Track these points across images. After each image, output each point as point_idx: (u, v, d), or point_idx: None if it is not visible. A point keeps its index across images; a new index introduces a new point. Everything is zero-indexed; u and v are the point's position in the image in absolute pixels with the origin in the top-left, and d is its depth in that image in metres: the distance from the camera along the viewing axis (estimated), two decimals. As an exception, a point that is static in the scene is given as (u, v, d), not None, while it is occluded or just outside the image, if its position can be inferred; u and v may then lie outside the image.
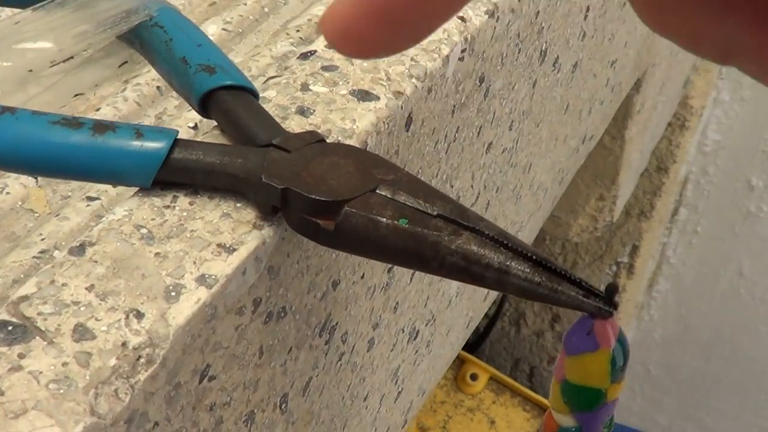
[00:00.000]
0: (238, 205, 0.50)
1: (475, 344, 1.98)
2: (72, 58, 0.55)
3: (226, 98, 0.52)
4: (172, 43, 0.54)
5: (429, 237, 0.45)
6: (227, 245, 0.47)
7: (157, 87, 0.64)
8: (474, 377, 1.70)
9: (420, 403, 0.82)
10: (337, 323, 0.59)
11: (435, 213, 0.46)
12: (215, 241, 0.47)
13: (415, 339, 0.74)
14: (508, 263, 0.44)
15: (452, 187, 0.70)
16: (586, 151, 1.09)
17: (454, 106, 0.64)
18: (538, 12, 0.73)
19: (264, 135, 0.50)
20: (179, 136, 0.50)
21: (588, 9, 0.86)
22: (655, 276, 2.11)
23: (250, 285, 0.48)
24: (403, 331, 0.71)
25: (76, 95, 0.55)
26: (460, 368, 1.72)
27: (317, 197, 0.46)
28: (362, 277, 0.60)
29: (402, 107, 0.57)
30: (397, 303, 0.68)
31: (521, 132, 0.81)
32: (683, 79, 1.57)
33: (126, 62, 0.57)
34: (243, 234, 0.48)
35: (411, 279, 0.69)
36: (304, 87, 0.57)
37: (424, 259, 0.45)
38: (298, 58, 0.59)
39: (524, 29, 0.72)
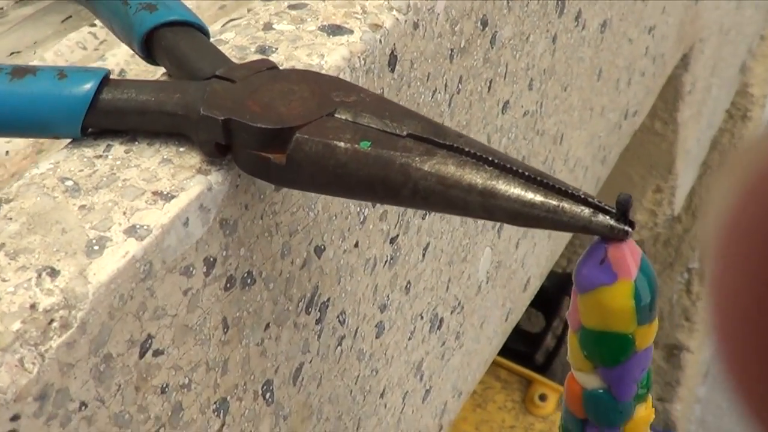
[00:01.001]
0: (182, 149, 0.42)
1: (544, 365, 1.87)
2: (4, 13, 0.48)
3: (168, 35, 0.45)
4: (112, -16, 0.47)
5: (397, 159, 0.37)
6: (164, 192, 0.40)
7: (104, 40, 0.57)
8: (543, 398, 1.60)
9: (457, 406, 0.73)
10: (329, 299, 0.51)
11: (404, 133, 0.38)
12: (150, 189, 0.40)
13: (439, 328, 0.66)
14: (493, 183, 0.36)
15: (464, 149, 0.61)
16: (630, 128, 0.99)
17: (452, 49, 0.56)
18: (549, -49, 0.65)
19: (208, 68, 0.42)
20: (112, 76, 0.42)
21: (612, -41, 0.78)
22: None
23: (198, 240, 0.40)
24: (422, 318, 0.63)
25: (11, 53, 0.49)
26: (527, 389, 1.63)
27: (263, 125, 0.39)
28: (356, 245, 0.52)
29: (381, 41, 0.49)
30: (409, 283, 0.59)
31: (545, 94, 0.72)
32: (738, 62, 1.47)
33: (70, 17, 0.50)
34: (184, 179, 0.40)
35: (424, 254, 0.60)
36: (267, 26, 0.49)
37: (393, 186, 0.37)
38: (262, 0, 0.52)
39: (533, -31, 0.64)
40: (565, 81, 0.76)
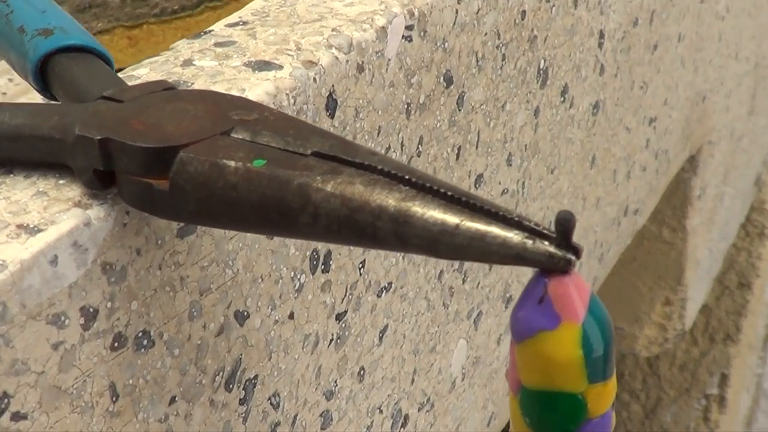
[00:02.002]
0: (61, 181, 0.36)
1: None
2: None
3: (63, 61, 0.39)
4: (13, 15, 0.42)
5: (295, 179, 0.31)
6: (30, 226, 0.33)
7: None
8: None
9: None
10: (256, 376, 0.44)
11: (309, 152, 0.32)
12: (15, 222, 0.34)
13: (403, 426, 0.58)
14: (408, 204, 0.29)
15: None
16: (631, 227, 0.93)
17: (409, 104, 0.51)
18: (524, 12, 0.60)
19: (97, 91, 0.37)
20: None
21: (602, 35, 0.73)
22: (753, 412, 1.88)
23: (71, 283, 0.34)
24: (381, 411, 0.55)
25: None
26: None
27: (143, 144, 0.32)
28: (291, 316, 0.46)
29: (316, 80, 0.44)
30: (363, 369, 0.52)
31: (528, 173, 0.66)
32: (753, 173, 1.41)
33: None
34: (57, 213, 0.34)
35: (381, 338, 0.53)
36: (187, 63, 0.44)
37: (290, 212, 0.31)
38: (188, 38, 0.46)
39: (506, 29, 0.58)
40: (551, 162, 0.70)
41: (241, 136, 0.33)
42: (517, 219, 0.29)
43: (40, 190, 0.36)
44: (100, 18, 1.01)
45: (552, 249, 0.29)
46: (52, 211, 0.34)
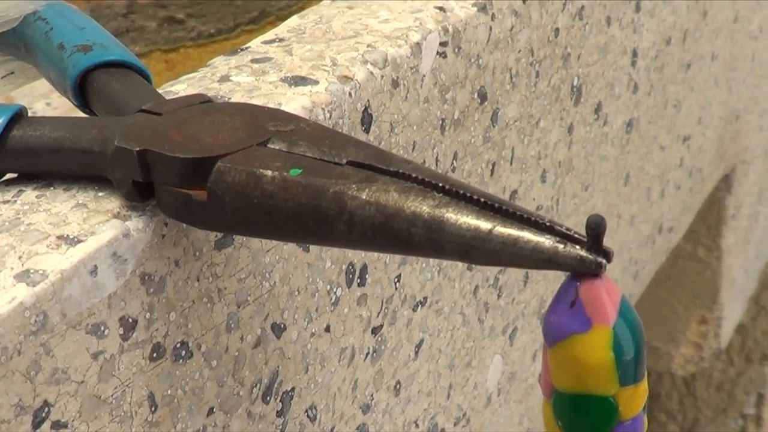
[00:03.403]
0: (101, 194, 0.37)
1: None
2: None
3: (102, 77, 0.40)
4: (52, 32, 0.43)
5: (330, 187, 0.31)
6: (71, 237, 0.34)
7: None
8: None
9: None
10: (293, 389, 0.45)
11: (344, 161, 0.32)
12: (56, 233, 0.34)
13: (439, 442, 0.58)
14: (442, 211, 0.30)
15: (472, 269, 0.55)
16: (666, 245, 0.93)
17: (443, 119, 0.51)
18: (558, 29, 0.61)
19: (136, 104, 0.37)
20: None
21: (635, 53, 0.73)
22: (793, 433, 1.86)
23: (110, 294, 0.34)
24: (417, 426, 0.55)
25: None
26: None
27: (181, 155, 0.33)
28: (327, 329, 0.46)
29: (351, 95, 0.44)
30: (399, 383, 0.53)
31: (562, 190, 0.66)
32: (789, 192, 1.40)
33: (12, 73, 0.46)
34: (96, 224, 0.35)
35: (416, 352, 0.54)
36: (224, 78, 0.45)
37: (326, 219, 0.31)
38: (225, 55, 0.47)
39: (539, 46, 0.59)
40: (585, 179, 0.70)
41: (277, 147, 0.34)
42: (548, 224, 0.29)
43: (80, 202, 0.36)
44: (137, 42, 1.02)
45: (583, 253, 0.29)
46: (92, 222, 0.35)
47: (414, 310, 0.53)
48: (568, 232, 0.29)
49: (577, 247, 0.29)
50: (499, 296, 0.62)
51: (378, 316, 0.50)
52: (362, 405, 0.50)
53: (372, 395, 0.51)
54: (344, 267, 0.46)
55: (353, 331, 0.48)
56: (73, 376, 0.34)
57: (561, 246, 0.29)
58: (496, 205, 0.30)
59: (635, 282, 0.87)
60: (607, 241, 0.71)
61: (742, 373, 1.67)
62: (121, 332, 0.35)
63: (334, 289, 0.46)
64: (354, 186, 0.31)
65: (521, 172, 0.61)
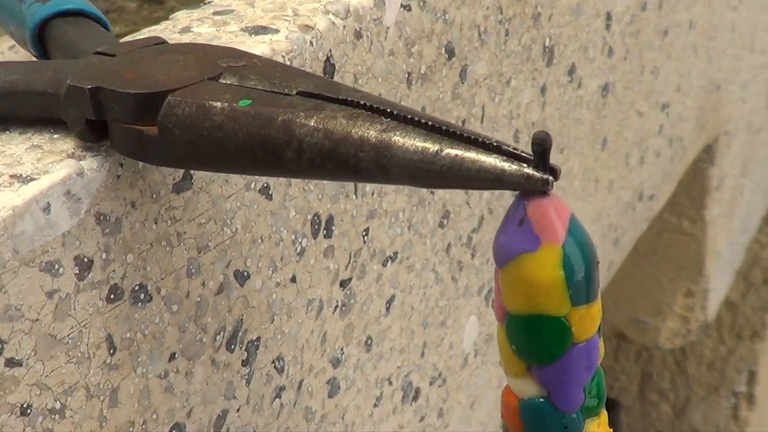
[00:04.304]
0: (56, 136, 0.37)
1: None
2: None
3: (59, 25, 0.40)
4: (11, -16, 0.43)
5: (279, 116, 0.31)
6: (23, 175, 0.34)
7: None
8: None
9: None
10: (258, 338, 0.45)
11: (294, 92, 0.32)
12: (9, 173, 0.34)
13: (415, 400, 0.58)
14: (389, 134, 0.30)
15: (433, 193, 0.55)
16: (646, 213, 0.93)
17: (410, 73, 0.51)
18: (526, -13, 0.60)
19: (91, 48, 0.37)
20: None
21: (609, 17, 0.73)
22: (785, 410, 1.86)
23: (64, 232, 0.34)
24: (390, 383, 0.55)
25: None
26: None
27: (133, 91, 0.33)
28: (293, 280, 0.46)
29: (312, 44, 0.44)
30: (370, 338, 0.53)
31: (535, 151, 0.66)
32: (774, 167, 1.40)
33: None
34: (50, 163, 0.35)
35: (388, 308, 0.53)
36: (185, 30, 0.45)
37: (275, 148, 0.31)
38: (187, 9, 0.47)
39: (508, 4, 0.59)
40: (560, 142, 0.70)
41: (228, 81, 0.34)
42: (495, 144, 0.29)
43: (35, 144, 0.36)
44: (117, 22, 1.02)
45: (530, 170, 0.29)
46: (46, 162, 0.35)
47: (384, 265, 0.53)
48: (515, 152, 0.29)
49: (524, 165, 0.29)
50: (473, 256, 0.61)
51: (346, 269, 0.50)
52: (332, 359, 0.50)
53: (342, 349, 0.51)
54: (309, 217, 0.46)
55: (320, 283, 0.48)
56: (27, 313, 0.34)
57: (507, 165, 0.29)
58: (444, 127, 0.30)
59: (616, 249, 0.87)
60: (585, 206, 0.72)
61: (733, 350, 1.67)
62: (77, 272, 0.35)
63: (299, 239, 0.46)
64: (302, 114, 0.31)
65: (493, 130, 0.61)
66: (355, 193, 0.49)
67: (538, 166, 0.29)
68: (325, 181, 0.47)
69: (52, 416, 0.35)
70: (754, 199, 1.31)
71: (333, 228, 0.48)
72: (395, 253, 0.53)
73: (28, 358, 0.34)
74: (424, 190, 0.55)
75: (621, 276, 1.22)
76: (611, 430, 0.34)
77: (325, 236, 0.48)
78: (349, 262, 0.50)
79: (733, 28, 1.06)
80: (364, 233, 0.50)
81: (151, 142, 0.33)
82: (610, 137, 0.79)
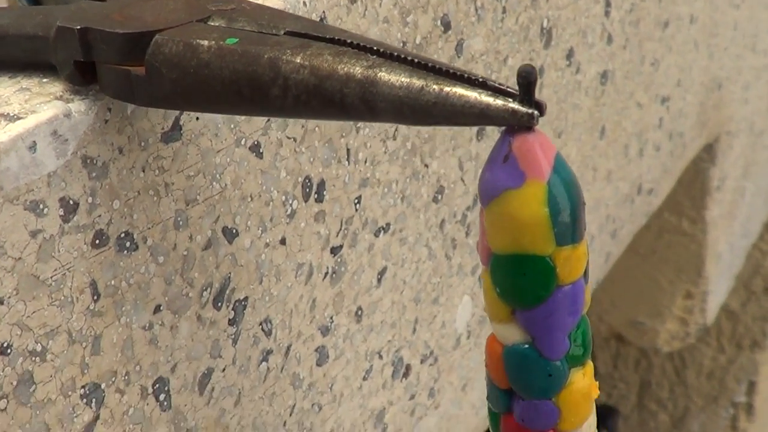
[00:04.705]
0: (45, 80, 0.37)
1: None
2: None
3: None
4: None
5: (265, 53, 0.31)
6: (11, 114, 0.34)
7: None
8: None
9: (435, 480, 0.65)
10: (246, 298, 0.44)
11: (282, 32, 0.32)
12: (-4, 112, 0.34)
13: (405, 377, 0.58)
14: (375, 70, 0.30)
15: (427, 167, 0.55)
16: (645, 207, 0.92)
17: (404, 42, 0.51)
18: (525, -35, 0.60)
19: None
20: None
21: (608, 3, 0.73)
22: (784, 421, 1.85)
23: (50, 172, 0.34)
24: (381, 357, 0.55)
25: None
26: None
27: (121, 31, 0.33)
28: (282, 242, 0.46)
29: (306, 4, 0.44)
30: (360, 309, 0.52)
31: (532, 133, 0.66)
32: (777, 172, 1.40)
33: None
34: (38, 104, 0.35)
35: (379, 280, 0.53)
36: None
37: (261, 85, 0.31)
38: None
39: (506, -20, 0.59)
40: (558, 126, 0.70)
41: (217, 23, 0.34)
42: (481, 80, 0.29)
43: (24, 87, 0.36)
44: None
45: (515, 105, 0.29)
46: (33, 102, 0.35)
47: (376, 235, 0.52)
48: (500, 87, 0.29)
49: (510, 100, 0.29)
50: (467, 234, 0.61)
51: (337, 235, 0.49)
52: (321, 326, 0.50)
53: (332, 318, 0.50)
54: (300, 180, 0.46)
55: (311, 248, 0.48)
56: (10, 251, 0.33)
57: (492, 99, 0.29)
58: (429, 64, 0.30)
59: (613, 241, 0.86)
60: (584, 194, 0.71)
61: (733, 360, 1.67)
62: (62, 213, 0.35)
63: (290, 201, 0.46)
64: (289, 51, 0.31)
65: (489, 108, 0.60)
66: (348, 159, 0.49)
67: (523, 101, 0.29)
68: (316, 145, 0.46)
69: (33, 358, 0.35)
70: (756, 203, 1.30)
71: (324, 193, 0.48)
72: (388, 224, 0.53)
73: (9, 297, 0.34)
74: (417, 162, 0.54)
75: (620, 276, 1.21)
76: (596, 383, 0.33)
77: (316, 200, 0.47)
78: (340, 229, 0.49)
79: (736, 26, 1.06)
80: (356, 201, 0.50)
81: (138, 81, 0.33)
82: (609, 126, 0.79)
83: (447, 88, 0.29)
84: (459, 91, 0.29)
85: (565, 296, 0.30)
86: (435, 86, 0.29)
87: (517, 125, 0.29)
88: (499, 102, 0.29)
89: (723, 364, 1.67)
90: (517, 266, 0.30)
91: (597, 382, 0.33)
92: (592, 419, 0.34)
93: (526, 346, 0.32)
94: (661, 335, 1.24)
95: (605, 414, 1.62)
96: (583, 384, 0.32)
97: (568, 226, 0.29)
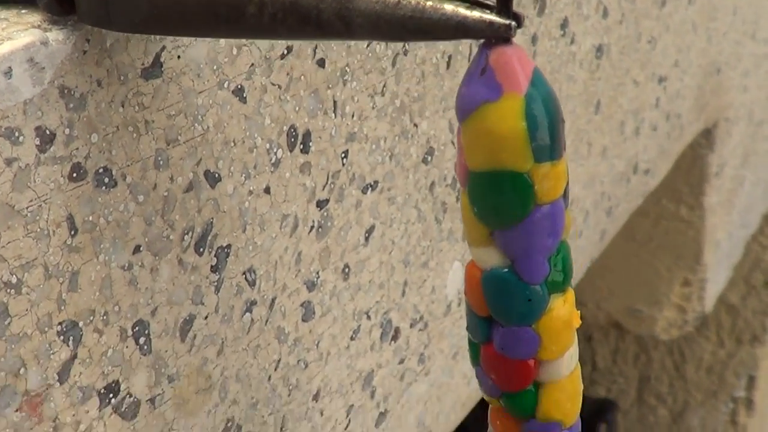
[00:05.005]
0: (23, 11, 0.36)
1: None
2: None
3: None
4: None
5: None
6: (-14, 40, 0.33)
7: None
8: None
9: (426, 450, 0.64)
10: (229, 246, 0.44)
11: None
12: (-30, 38, 0.34)
13: (394, 340, 0.57)
14: None
15: (417, 126, 0.55)
16: (641, 187, 0.92)
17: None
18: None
19: None
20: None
21: (604, -25, 0.73)
22: (785, 418, 1.84)
23: (26, 100, 0.34)
24: (369, 318, 0.55)
25: None
26: None
27: None
28: (267, 191, 0.45)
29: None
30: (348, 267, 0.52)
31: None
32: (777, 163, 1.40)
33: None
34: (14, 32, 0.34)
35: (367, 239, 0.53)
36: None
37: (238, 4, 0.31)
38: None
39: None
40: (551, 97, 0.69)
41: None
42: None
43: (1, 17, 0.36)
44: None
45: (492, 17, 0.28)
46: (10, 30, 0.34)
47: (363, 192, 0.52)
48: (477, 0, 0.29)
49: (487, 11, 0.28)
50: (457, 199, 0.61)
51: (323, 189, 0.49)
52: (307, 281, 0.49)
53: (318, 273, 0.50)
54: (285, 128, 0.46)
55: (296, 200, 0.47)
56: (-17, 177, 0.33)
57: (469, 11, 0.28)
58: (405, -22, 0.30)
59: (609, 218, 0.86)
60: (577, 168, 0.71)
61: (733, 354, 1.66)
62: (38, 143, 0.35)
63: (274, 149, 0.45)
64: None
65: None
66: (334, 112, 0.48)
67: (500, 12, 0.28)
68: (302, 94, 0.46)
69: (8, 290, 0.34)
70: (755, 193, 1.30)
71: (310, 144, 0.47)
72: (375, 182, 0.53)
73: (-18, 225, 0.33)
74: (407, 121, 0.54)
75: (618, 264, 1.21)
76: (578, 312, 0.33)
77: (301, 151, 0.47)
78: (326, 183, 0.49)
79: (735, 11, 1.05)
80: (343, 155, 0.50)
81: (115, 5, 0.33)
82: (605, 101, 0.78)
83: (423, 1, 0.29)
84: (435, 3, 0.29)
85: (543, 216, 0.30)
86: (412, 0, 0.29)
87: (494, 38, 0.29)
88: (476, 14, 0.28)
89: (723, 359, 1.67)
90: (495, 183, 0.30)
91: (579, 312, 0.33)
92: (574, 350, 0.33)
93: (506, 270, 0.31)
94: (659, 323, 1.23)
95: (604, 408, 1.62)
96: (563, 311, 0.32)
97: (546, 142, 0.29)
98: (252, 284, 0.46)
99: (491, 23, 0.28)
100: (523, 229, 0.30)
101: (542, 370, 0.33)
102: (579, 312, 0.33)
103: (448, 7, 0.29)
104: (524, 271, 0.31)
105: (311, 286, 0.50)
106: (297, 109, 0.46)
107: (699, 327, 1.57)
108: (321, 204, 0.49)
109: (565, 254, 0.32)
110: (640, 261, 1.20)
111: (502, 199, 0.30)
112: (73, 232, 0.36)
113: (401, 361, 0.59)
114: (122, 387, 0.40)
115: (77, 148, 0.36)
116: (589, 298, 1.25)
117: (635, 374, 1.73)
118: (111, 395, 0.39)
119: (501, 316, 0.32)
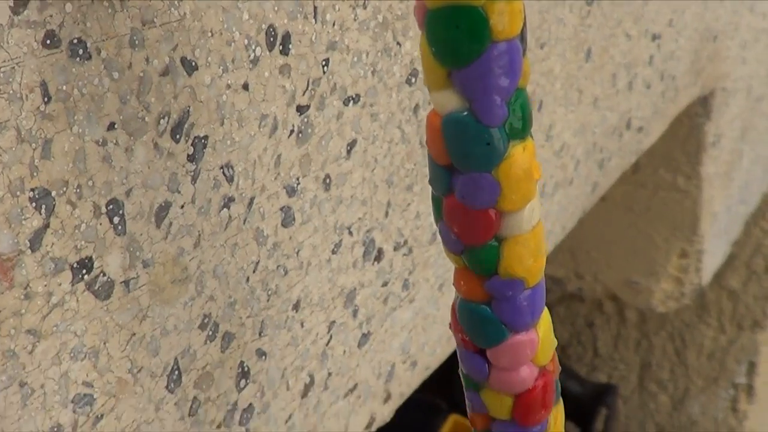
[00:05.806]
0: None
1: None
2: None
3: None
4: None
5: None
6: None
7: None
8: None
9: (411, 379, 0.64)
10: (206, 137, 0.44)
11: None
12: None
13: (377, 261, 0.58)
14: None
15: (400, 45, 0.55)
16: (635, 144, 0.92)
17: None
18: None
19: None
20: None
21: None
22: (787, 406, 1.84)
23: (-3, -44, 0.34)
24: (351, 234, 0.55)
25: None
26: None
27: None
28: (245, 87, 0.46)
29: None
30: (329, 177, 0.52)
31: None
32: (777, 141, 1.40)
33: None
34: None
35: (348, 152, 0.53)
36: None
37: None
38: None
39: None
40: (540, 36, 0.70)
41: None
42: None
43: None
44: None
45: None
46: None
47: (345, 104, 0.52)
48: None
49: None
50: (442, 126, 0.61)
51: (304, 94, 0.49)
52: (287, 186, 0.50)
53: (298, 179, 0.50)
54: (264, 27, 0.46)
55: (275, 100, 0.48)
56: (-45, 29, 0.34)
57: None
58: None
59: (601, 171, 0.86)
60: (568, 114, 0.71)
61: (734, 341, 1.66)
62: (11, 4, 0.35)
63: (253, 46, 0.46)
64: None
65: None
66: (315, 18, 0.49)
67: None
68: (281, -6, 0.47)
69: (-21, 148, 0.35)
70: (754, 171, 1.30)
71: (290, 46, 0.48)
72: (357, 95, 0.53)
73: (-46, 76, 0.34)
74: (390, 39, 0.54)
75: (615, 235, 1.21)
76: (539, 164, 0.33)
77: (281, 52, 0.47)
78: (307, 89, 0.49)
79: (731, -21, 1.06)
80: (323, 63, 0.50)
81: None
82: (596, 51, 0.79)
83: None
84: None
85: (500, 53, 0.30)
86: None
87: None
88: None
89: (723, 345, 1.67)
90: (450, 18, 0.30)
91: (539, 164, 0.33)
92: (536, 204, 0.34)
93: (464, 113, 0.32)
94: (656, 295, 1.23)
95: (604, 392, 1.61)
96: (523, 159, 0.32)
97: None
98: (230, 180, 0.46)
99: None
100: (479, 66, 0.30)
101: (504, 222, 0.33)
102: (539, 164, 0.33)
103: None
104: (482, 112, 0.31)
105: (291, 191, 0.50)
106: (276, 9, 0.46)
107: (700, 313, 1.57)
108: (301, 109, 0.49)
109: (523, 101, 0.32)
110: (638, 232, 1.21)
111: (457, 33, 0.30)
112: (46, 99, 0.37)
113: (385, 284, 0.60)
114: (95, 264, 0.40)
115: (51, 15, 0.36)
116: (587, 270, 1.25)
117: (636, 360, 1.73)
118: (84, 271, 0.40)
119: (460, 162, 0.32)
